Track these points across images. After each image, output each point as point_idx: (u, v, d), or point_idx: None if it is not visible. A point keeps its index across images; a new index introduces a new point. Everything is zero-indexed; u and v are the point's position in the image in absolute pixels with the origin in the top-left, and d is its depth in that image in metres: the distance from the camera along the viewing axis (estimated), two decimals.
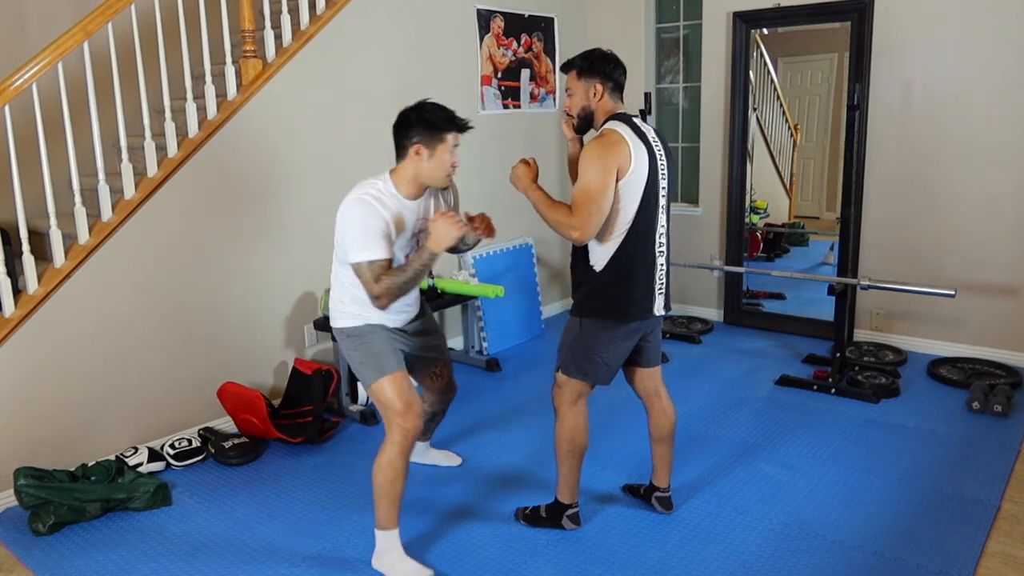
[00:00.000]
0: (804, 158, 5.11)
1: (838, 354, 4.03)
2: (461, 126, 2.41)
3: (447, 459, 3.25)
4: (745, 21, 4.76)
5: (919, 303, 4.39)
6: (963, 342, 4.33)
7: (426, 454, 3.24)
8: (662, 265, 2.51)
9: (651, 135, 2.45)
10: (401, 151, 2.44)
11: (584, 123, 2.53)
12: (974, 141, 4.13)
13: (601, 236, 2.41)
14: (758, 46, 4.88)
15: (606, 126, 2.43)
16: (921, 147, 4.30)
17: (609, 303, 2.46)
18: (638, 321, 2.50)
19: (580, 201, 2.32)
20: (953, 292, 3.77)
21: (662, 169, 2.45)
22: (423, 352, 2.75)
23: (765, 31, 4.88)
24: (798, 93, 5.01)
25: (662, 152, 2.46)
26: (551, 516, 2.71)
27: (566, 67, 2.53)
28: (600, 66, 2.46)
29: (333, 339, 3.86)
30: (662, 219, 2.49)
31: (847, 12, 4.40)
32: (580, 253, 2.51)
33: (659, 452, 2.77)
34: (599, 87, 2.45)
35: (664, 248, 2.51)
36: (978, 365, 4.12)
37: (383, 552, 2.48)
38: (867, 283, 3.92)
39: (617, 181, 2.33)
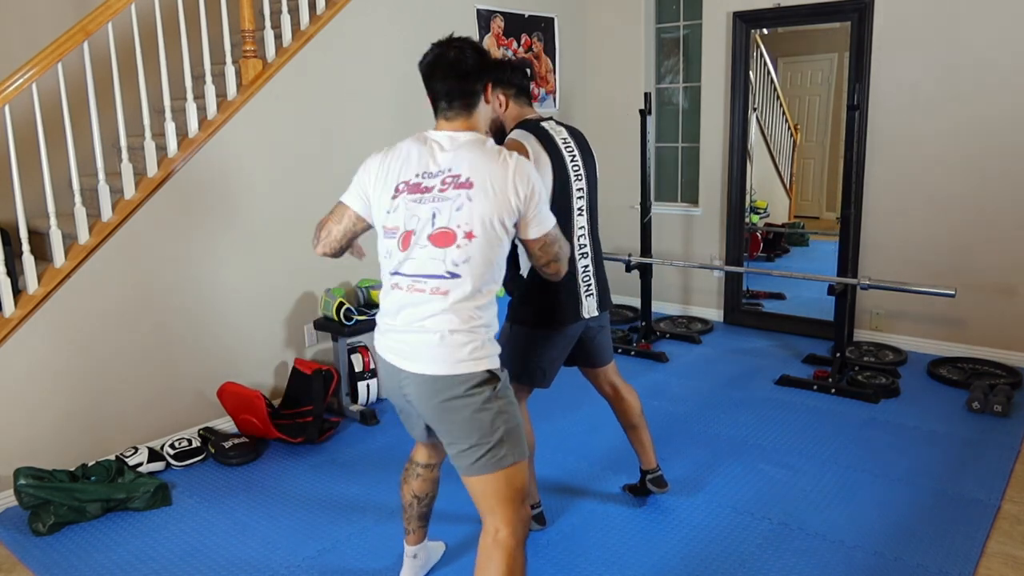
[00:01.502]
0: (804, 158, 5.12)
1: (838, 354, 4.03)
2: None
3: (437, 549, 2.58)
4: (745, 21, 4.76)
5: (919, 303, 4.39)
6: (963, 342, 4.33)
7: (429, 551, 2.50)
8: (587, 267, 2.48)
9: (561, 138, 2.42)
10: (470, 98, 1.89)
11: (498, 135, 2.50)
12: (974, 141, 4.13)
13: None
14: (758, 46, 4.88)
15: (508, 137, 2.39)
16: (921, 147, 4.29)
17: (535, 309, 2.45)
18: (568, 325, 2.47)
19: None
20: (953, 292, 3.77)
21: (575, 171, 2.42)
22: None
23: (765, 31, 4.88)
24: (798, 93, 5.01)
25: (575, 153, 2.43)
26: None
27: None
28: (500, 74, 2.42)
29: (337, 338, 3.85)
30: (580, 221, 2.46)
31: (847, 12, 4.40)
32: (511, 259, 2.44)
33: (635, 437, 2.80)
34: (502, 96, 2.44)
35: (587, 249, 2.49)
36: (978, 365, 4.12)
37: None
38: (867, 283, 3.92)
39: None
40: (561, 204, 2.38)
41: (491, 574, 1.84)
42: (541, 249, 1.89)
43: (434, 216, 1.80)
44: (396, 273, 1.86)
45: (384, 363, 1.94)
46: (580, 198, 2.45)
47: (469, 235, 1.78)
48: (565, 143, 2.42)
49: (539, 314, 2.44)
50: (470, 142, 1.86)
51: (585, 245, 2.48)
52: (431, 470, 2.26)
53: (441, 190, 1.80)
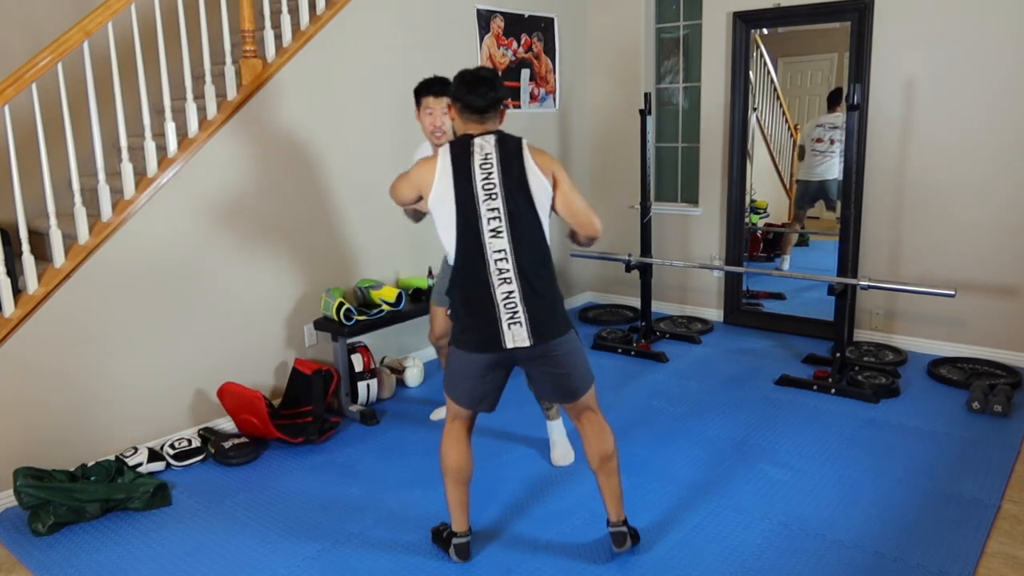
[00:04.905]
0: None
1: (838, 354, 4.02)
2: (434, 91, 2.72)
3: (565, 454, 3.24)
4: (745, 21, 4.76)
5: (919, 303, 4.39)
6: (963, 342, 4.33)
7: (563, 445, 3.29)
8: (510, 293, 2.27)
9: (482, 154, 2.29)
10: None
11: None
12: (974, 141, 4.13)
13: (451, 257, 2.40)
14: (758, 46, 4.88)
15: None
16: (921, 147, 4.30)
17: (458, 331, 2.39)
18: (482, 353, 2.34)
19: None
20: (953, 292, 3.77)
21: (488, 189, 2.26)
22: None
23: (765, 31, 4.88)
24: (798, 93, 5.01)
25: (492, 172, 2.28)
26: (443, 540, 2.60)
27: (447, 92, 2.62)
28: (451, 88, 2.41)
29: (337, 338, 3.85)
30: (498, 243, 2.27)
31: (847, 12, 4.40)
32: (453, 274, 2.46)
33: (599, 481, 2.52)
34: (451, 109, 2.43)
35: (511, 275, 2.27)
36: (978, 365, 4.12)
37: None
38: (867, 283, 3.92)
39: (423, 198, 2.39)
40: (468, 223, 2.29)
41: None
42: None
43: None
44: None
45: None
46: (494, 219, 2.27)
47: None
48: (484, 160, 2.29)
49: (460, 334, 2.39)
50: None
51: (508, 270, 2.27)
52: None
53: None
